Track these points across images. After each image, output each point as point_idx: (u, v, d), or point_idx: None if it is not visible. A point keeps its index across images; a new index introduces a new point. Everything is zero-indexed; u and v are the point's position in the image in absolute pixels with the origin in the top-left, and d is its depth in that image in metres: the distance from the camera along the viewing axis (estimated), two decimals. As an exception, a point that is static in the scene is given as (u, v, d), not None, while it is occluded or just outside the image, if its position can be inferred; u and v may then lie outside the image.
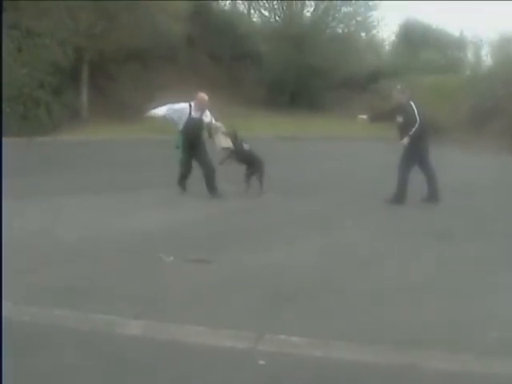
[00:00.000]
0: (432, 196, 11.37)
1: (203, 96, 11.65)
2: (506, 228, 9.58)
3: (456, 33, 42.31)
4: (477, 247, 8.23)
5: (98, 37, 25.25)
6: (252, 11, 39.13)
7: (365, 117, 11.84)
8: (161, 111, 11.63)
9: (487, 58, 39.09)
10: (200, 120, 11.56)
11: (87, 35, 24.99)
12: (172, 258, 7.14)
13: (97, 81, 27.18)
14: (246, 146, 12.16)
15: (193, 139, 11.49)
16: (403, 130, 11.17)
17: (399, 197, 11.18)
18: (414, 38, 40.02)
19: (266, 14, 37.39)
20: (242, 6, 39.79)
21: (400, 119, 11.20)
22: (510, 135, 22.45)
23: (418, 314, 5.58)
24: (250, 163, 12.02)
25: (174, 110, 11.57)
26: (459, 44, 41.22)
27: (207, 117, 11.69)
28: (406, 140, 11.03)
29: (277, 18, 36.31)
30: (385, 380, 4.39)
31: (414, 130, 10.95)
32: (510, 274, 6.98)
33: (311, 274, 6.77)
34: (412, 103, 11.15)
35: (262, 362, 4.48)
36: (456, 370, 4.54)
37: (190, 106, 11.52)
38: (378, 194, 11.40)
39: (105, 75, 27.83)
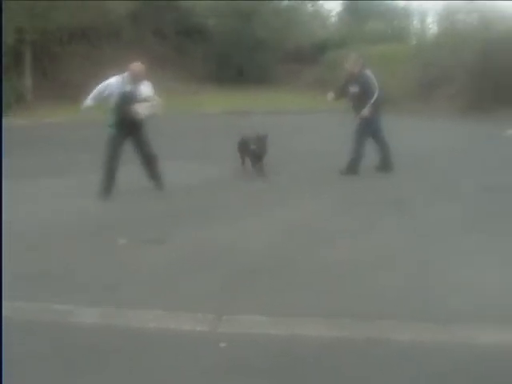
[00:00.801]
0: (386, 165, 11.34)
1: (136, 66, 9.78)
2: (462, 190, 9.65)
3: (401, 2, 42.49)
4: (435, 212, 8.26)
5: (40, 16, 24.54)
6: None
7: (366, 110, 11.43)
8: (91, 97, 9.78)
9: (433, 27, 39.22)
10: (133, 93, 9.65)
11: (29, 15, 24.27)
12: (125, 240, 6.96)
13: (40, 62, 26.54)
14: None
15: (125, 116, 9.61)
16: (360, 100, 10.98)
17: (353, 167, 11.11)
18: (359, 8, 39.95)
19: (211, -13, 36.91)
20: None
21: (355, 89, 11.03)
22: (457, 102, 22.68)
23: (381, 285, 5.53)
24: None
25: (103, 86, 9.79)
26: (404, 13, 41.29)
27: (145, 89, 9.83)
28: (366, 111, 10.87)
29: (222, -9, 35.88)
30: (352, 354, 4.35)
31: (374, 99, 10.83)
32: (472, 237, 7.01)
33: (269, 251, 6.67)
34: (368, 72, 11.01)
35: (223, 345, 4.36)
36: (423, 339, 4.51)
37: (123, 78, 9.78)
38: (334, 167, 11.31)
39: (48, 56, 27.18)
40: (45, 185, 10.35)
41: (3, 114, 12.52)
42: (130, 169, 9.82)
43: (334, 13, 43.02)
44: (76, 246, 6.82)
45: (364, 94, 10.92)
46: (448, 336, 4.58)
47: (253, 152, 11.29)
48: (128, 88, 9.68)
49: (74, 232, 7.43)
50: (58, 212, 8.47)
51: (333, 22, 43.03)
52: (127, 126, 9.77)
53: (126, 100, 9.62)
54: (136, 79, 9.75)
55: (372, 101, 10.81)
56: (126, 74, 9.76)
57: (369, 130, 11.09)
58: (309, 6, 38.38)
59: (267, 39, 32.51)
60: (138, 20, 31.59)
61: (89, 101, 9.76)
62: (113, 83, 9.76)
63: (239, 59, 32.80)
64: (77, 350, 4.37)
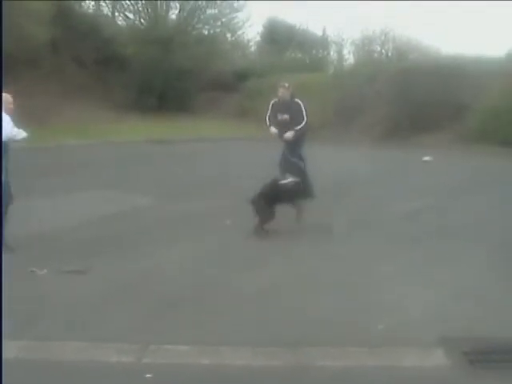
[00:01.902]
0: (307, 193, 11.42)
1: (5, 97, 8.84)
2: (383, 216, 9.85)
3: (319, 32, 43.27)
4: (357, 238, 8.39)
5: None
6: (116, 14, 38.41)
7: (290, 132, 11.36)
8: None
9: (350, 57, 40.24)
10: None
11: None
12: (45, 270, 6.79)
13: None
14: None
15: None
16: (288, 126, 11.06)
17: None
18: (278, 37, 40.57)
19: (131, 16, 36.81)
20: (106, 8, 38.97)
21: (285, 116, 11.07)
22: (375, 130, 23.25)
23: (306, 312, 5.57)
24: None
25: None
26: (322, 43, 42.14)
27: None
28: (290, 134, 10.89)
29: (142, 20, 35.82)
30: (280, 382, 4.33)
31: (300, 126, 10.89)
32: (393, 263, 7.16)
33: (193, 279, 6.62)
34: (298, 100, 11.08)
35: (148, 376, 4.30)
36: (350, 365, 4.57)
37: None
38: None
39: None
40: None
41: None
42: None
43: (253, 42, 43.52)
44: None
45: (292, 121, 10.99)
46: (374, 361, 4.65)
47: None
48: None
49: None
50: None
51: (252, 52, 43.50)
52: None
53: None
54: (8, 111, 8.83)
55: (299, 127, 10.89)
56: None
57: (294, 157, 11.16)
58: (229, 35, 38.71)
59: (187, 68, 32.59)
60: (57, 47, 31.16)
61: None
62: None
63: (160, 87, 32.76)
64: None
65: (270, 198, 9.15)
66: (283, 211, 9.88)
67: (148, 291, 6.17)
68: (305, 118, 10.86)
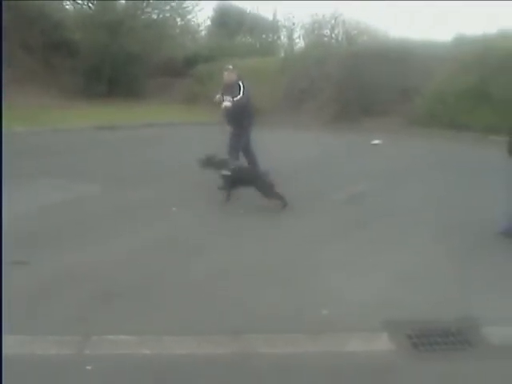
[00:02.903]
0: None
1: None
2: (331, 199, 9.90)
3: (269, 16, 43.27)
4: (301, 225, 8.41)
5: None
6: (64, -2, 37.77)
7: (227, 103, 11.34)
8: None
9: (300, 41, 40.28)
10: None
11: None
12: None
13: None
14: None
15: None
16: (232, 110, 11.05)
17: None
18: (228, 22, 40.47)
19: (79, 1, 36.27)
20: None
21: (227, 99, 11.07)
22: (324, 113, 23.36)
23: (250, 299, 5.57)
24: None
25: None
26: (272, 27, 42.15)
27: None
28: (228, 103, 10.87)
29: (90, 4, 35.26)
30: (224, 370, 4.34)
31: (237, 97, 10.86)
32: (337, 246, 7.21)
33: (137, 268, 6.55)
34: (241, 82, 11.05)
35: (88, 367, 4.25)
36: (294, 351, 4.59)
37: None
38: (204, 180, 11.29)
39: None
40: None
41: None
42: None
43: (203, 27, 43.26)
44: None
45: (237, 106, 10.98)
46: (317, 346, 4.67)
47: None
48: None
49: None
50: None
51: (203, 36, 43.27)
52: None
53: None
54: None
55: (236, 98, 10.87)
56: None
57: (240, 143, 11.16)
58: (178, 19, 38.38)
59: (137, 53, 32.28)
60: (5, 33, 30.55)
61: None
62: None
63: (108, 73, 32.41)
64: None
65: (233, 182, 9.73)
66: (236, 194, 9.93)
67: (91, 282, 6.07)
68: (241, 94, 10.84)
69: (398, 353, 4.65)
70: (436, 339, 4.87)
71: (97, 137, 20.26)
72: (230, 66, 11.56)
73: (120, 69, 32.35)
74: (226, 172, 9.86)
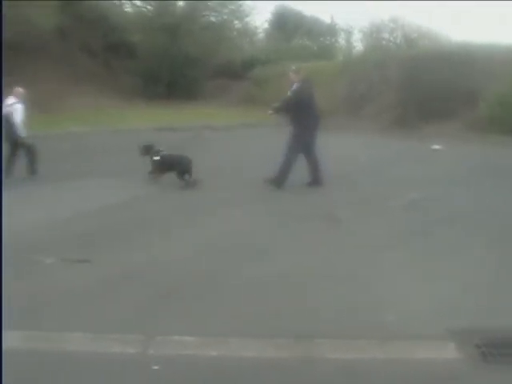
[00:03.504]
0: (315, 180, 11.35)
1: (18, 90, 12.54)
2: (392, 204, 9.73)
3: (327, 20, 43.10)
4: (363, 230, 8.26)
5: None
6: (124, 1, 38.33)
7: (271, 111, 11.47)
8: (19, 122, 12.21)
9: (358, 45, 40.00)
10: (15, 114, 12.21)
11: None
12: (52, 259, 6.71)
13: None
14: (164, 153, 11.90)
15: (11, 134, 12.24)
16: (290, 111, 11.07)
17: (279, 180, 11.09)
18: (286, 25, 40.43)
19: (139, 3, 36.72)
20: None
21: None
22: (383, 118, 23.07)
23: (315, 303, 5.46)
24: (178, 164, 11.63)
25: (19, 114, 12.19)
26: (331, 31, 41.95)
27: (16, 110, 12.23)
28: (270, 111, 10.97)
29: (149, 7, 35.67)
30: (287, 375, 4.23)
31: (279, 104, 10.87)
32: (403, 253, 7.04)
33: (199, 268, 6.51)
34: (297, 84, 11.01)
35: (155, 367, 4.21)
36: (360, 357, 4.47)
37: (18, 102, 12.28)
38: (262, 181, 11.25)
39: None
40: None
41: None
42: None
43: (261, 30, 43.33)
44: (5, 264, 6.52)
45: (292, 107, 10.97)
46: (385, 353, 4.54)
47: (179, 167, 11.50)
48: (12, 109, 12.17)
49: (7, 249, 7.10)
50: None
51: (260, 39, 43.33)
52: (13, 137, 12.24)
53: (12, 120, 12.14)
54: (20, 99, 12.34)
55: (277, 104, 10.89)
56: (12, 97, 12.34)
57: (299, 144, 11.09)
58: (236, 22, 38.51)
59: (195, 55, 32.52)
60: (65, 34, 31.12)
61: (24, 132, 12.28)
62: (19, 108, 12.25)
63: (167, 75, 32.70)
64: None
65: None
66: (299, 197, 9.83)
67: (153, 281, 6.06)
68: (289, 96, 10.84)
69: (467, 362, 4.46)
70: (506, 350, 4.68)
71: (155, 138, 20.34)
72: (293, 67, 11.52)
73: (178, 71, 32.61)
74: (155, 157, 11.68)
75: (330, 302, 5.48)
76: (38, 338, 4.72)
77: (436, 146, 17.24)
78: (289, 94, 11.03)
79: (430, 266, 6.56)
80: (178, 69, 32.62)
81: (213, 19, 36.79)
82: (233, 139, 20.52)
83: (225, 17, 37.07)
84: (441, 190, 11.10)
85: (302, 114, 10.91)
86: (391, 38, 35.23)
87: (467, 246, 7.42)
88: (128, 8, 38.06)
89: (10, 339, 4.59)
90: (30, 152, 12.46)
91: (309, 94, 11.12)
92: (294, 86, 11.01)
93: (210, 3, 35.84)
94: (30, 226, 8.26)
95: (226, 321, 5.05)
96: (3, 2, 17.42)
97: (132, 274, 6.27)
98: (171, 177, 11.52)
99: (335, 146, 15.69)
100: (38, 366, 4.27)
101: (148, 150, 11.93)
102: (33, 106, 13.03)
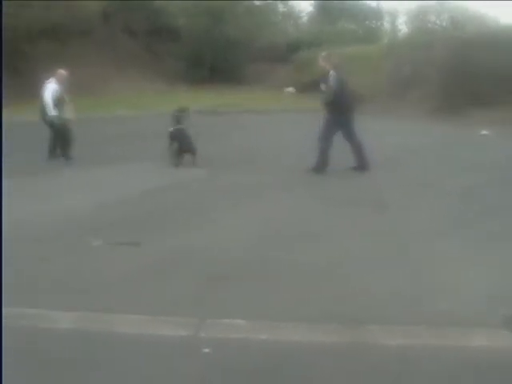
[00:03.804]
0: (360, 165, 11.23)
1: (61, 72, 12.65)
2: (442, 190, 9.55)
3: (372, 3, 42.69)
4: (413, 215, 8.12)
5: (9, 14, 24.10)
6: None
7: (291, 89, 11.50)
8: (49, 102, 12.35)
9: (403, 28, 39.52)
10: (63, 96, 12.61)
11: (-3, 13, 23.83)
12: (100, 241, 6.73)
13: (10, 60, 26.09)
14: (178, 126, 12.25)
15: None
16: (325, 97, 10.99)
17: (320, 167, 11.04)
18: (330, 8, 40.07)
19: (182, -14, 36.75)
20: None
21: (323, 87, 11.00)
22: (429, 102, 22.69)
23: (364, 288, 5.37)
24: (183, 141, 11.99)
25: (51, 94, 12.33)
26: (376, 14, 41.50)
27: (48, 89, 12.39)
28: (325, 112, 10.91)
29: (193, -10, 35.68)
30: (338, 360, 4.17)
31: (327, 98, 10.80)
32: (457, 238, 6.90)
33: (248, 252, 6.47)
34: (332, 71, 10.91)
35: (206, 350, 4.17)
36: (413, 344, 4.38)
37: (54, 83, 12.47)
38: (306, 166, 11.17)
39: (18, 54, 26.76)
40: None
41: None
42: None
43: (305, 13, 43.02)
44: (49, 247, 6.56)
45: (327, 93, 10.88)
46: (439, 340, 4.44)
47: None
48: (58, 92, 12.41)
49: (43, 233, 7.16)
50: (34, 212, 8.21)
51: (304, 22, 43.04)
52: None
53: (60, 102, 12.45)
54: (62, 83, 12.54)
55: (325, 100, 10.79)
56: (54, 79, 12.49)
57: (331, 129, 11.00)
58: (280, 6, 38.30)
59: (239, 38, 32.44)
60: (109, 18, 31.33)
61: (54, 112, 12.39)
62: (53, 88, 12.40)
63: (211, 58, 32.71)
64: (50, 357, 4.14)
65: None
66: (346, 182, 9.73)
67: (202, 264, 6.06)
68: (333, 89, 10.71)
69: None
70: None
71: (198, 121, 20.34)
72: (323, 53, 11.43)
73: (221, 54, 32.59)
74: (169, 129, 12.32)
75: (381, 288, 5.40)
76: (89, 319, 4.75)
77: (484, 132, 16.91)
78: (330, 84, 10.88)
79: (485, 253, 6.40)
80: (221, 52, 32.59)
81: (257, 3, 36.65)
82: (275, 123, 20.43)
83: (269, 0, 36.90)
84: (493, 175, 10.81)
85: (336, 100, 10.82)
86: (437, 21, 34.72)
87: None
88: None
89: (64, 320, 4.62)
90: (60, 134, 12.64)
91: (344, 81, 11.02)
92: (331, 76, 10.88)
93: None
94: (74, 210, 8.32)
95: (277, 305, 4.99)
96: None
97: (181, 258, 6.26)
98: (218, 162, 11.56)
99: (380, 130, 15.52)
100: (90, 347, 4.30)
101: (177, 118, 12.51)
102: (76, 88, 13.12)
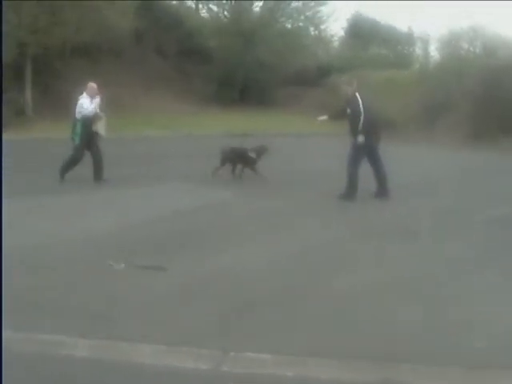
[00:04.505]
0: (382, 192, 11.06)
1: (91, 85, 12.18)
2: (473, 222, 9.30)
3: (404, 28, 42.51)
4: (443, 245, 7.88)
5: (42, 31, 24.37)
6: (200, 6, 38.64)
7: (325, 117, 11.36)
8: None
9: (435, 54, 39.23)
10: (96, 110, 12.12)
11: (30, 30, 24.08)
12: (123, 264, 6.59)
13: (41, 77, 26.34)
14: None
15: (88, 127, 12.08)
16: (351, 122, 10.86)
17: (349, 193, 10.87)
18: (362, 33, 39.96)
19: (215, 8, 36.97)
20: (190, 1, 39.32)
21: (349, 112, 10.88)
22: (460, 130, 22.44)
23: (393, 323, 5.15)
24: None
25: (84, 108, 11.96)
26: (407, 39, 41.33)
27: (95, 105, 12.11)
28: (360, 138, 10.69)
29: (225, 12, 35.85)
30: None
31: (361, 123, 10.63)
32: (486, 273, 6.64)
33: (276, 281, 6.26)
34: (357, 94, 10.77)
35: (230, 386, 4.00)
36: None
37: (85, 97, 12.07)
38: (335, 191, 11.00)
39: (49, 71, 27.02)
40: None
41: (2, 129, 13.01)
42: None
43: (336, 37, 43.01)
44: (69, 271, 6.43)
45: (353, 117, 10.74)
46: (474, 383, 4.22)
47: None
48: (92, 106, 11.99)
49: (66, 256, 7.04)
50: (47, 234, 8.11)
51: (335, 46, 43.00)
52: (89, 136, 12.13)
53: (93, 116, 12.05)
54: (93, 96, 12.07)
55: (360, 125, 10.62)
56: (85, 93, 12.08)
57: (359, 154, 10.85)
58: (311, 29, 38.31)
59: (270, 61, 32.46)
60: (141, 38, 31.54)
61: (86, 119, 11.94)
62: (84, 103, 12.00)
63: (241, 80, 32.77)
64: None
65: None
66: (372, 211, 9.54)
67: (228, 292, 5.86)
68: (361, 113, 10.55)
69: None
70: None
71: (231, 144, 20.36)
72: (347, 78, 11.33)
73: (252, 77, 32.63)
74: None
75: (412, 322, 5.16)
76: (105, 347, 4.58)
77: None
78: (357, 107, 10.75)
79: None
80: (252, 75, 32.62)
81: (288, 26, 36.72)
82: (305, 147, 20.31)
83: (300, 24, 36.95)
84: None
85: (361, 124, 10.66)
86: (470, 48, 34.46)
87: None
88: (204, 13, 38.38)
89: (81, 348, 4.48)
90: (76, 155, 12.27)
91: (368, 105, 10.85)
92: (356, 99, 10.75)
93: (286, 9, 35.75)
94: (102, 231, 8.21)
95: (304, 338, 4.80)
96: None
97: (206, 284, 6.09)
98: (246, 184, 11.46)
99: (409, 157, 15.31)
100: (104, 377, 4.13)
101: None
102: (107, 108, 12.99)
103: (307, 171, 14.24)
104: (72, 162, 12.16)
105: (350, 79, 11.42)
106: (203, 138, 21.92)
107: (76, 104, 12.09)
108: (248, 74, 32.65)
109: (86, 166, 12.26)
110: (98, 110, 12.17)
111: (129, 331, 4.81)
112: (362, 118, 10.60)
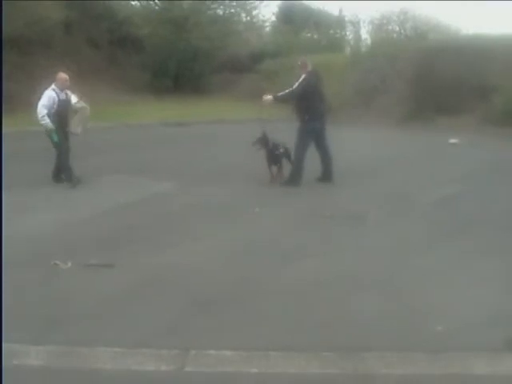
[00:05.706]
0: (326, 176, 11.05)
1: (62, 75, 11.09)
2: (412, 205, 9.35)
3: (335, 12, 42.71)
4: (396, 229, 7.89)
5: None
6: (130, -6, 37.96)
7: (270, 96, 11.21)
8: (43, 114, 10.77)
9: (367, 37, 39.51)
10: (68, 101, 11.17)
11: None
12: (70, 263, 6.35)
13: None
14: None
15: (64, 121, 11.20)
16: (298, 105, 10.81)
17: (294, 179, 10.84)
18: (293, 18, 39.96)
19: (145, -3, 36.37)
20: (120, -11, 38.56)
21: (296, 92, 10.80)
22: (396, 111, 22.68)
23: (354, 311, 5.10)
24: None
25: (47, 103, 10.80)
26: (339, 23, 41.49)
27: (73, 98, 11.33)
28: (266, 97, 10.85)
29: (156, 0, 35.33)
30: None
31: (282, 93, 10.62)
32: (438, 254, 6.68)
33: (230, 273, 6.14)
34: (303, 76, 10.71)
35: (194, 387, 3.87)
36: (415, 372, 4.12)
37: (54, 89, 10.91)
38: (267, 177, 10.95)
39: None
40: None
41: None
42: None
43: (268, 23, 42.88)
44: (12, 274, 6.04)
45: (302, 100, 10.67)
46: (439, 368, 4.19)
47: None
48: (63, 97, 10.97)
49: (6, 257, 6.68)
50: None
51: (268, 32, 42.91)
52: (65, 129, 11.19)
53: (66, 107, 11.04)
54: (64, 88, 11.02)
55: (280, 94, 10.69)
56: (55, 85, 10.90)
57: (308, 139, 10.80)
58: (243, 15, 38.13)
59: (203, 48, 32.19)
60: (71, 29, 30.85)
61: (48, 121, 10.77)
62: (51, 96, 10.82)
63: (174, 69, 32.39)
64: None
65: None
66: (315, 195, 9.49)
67: (180, 287, 5.72)
68: (293, 87, 10.55)
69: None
70: None
71: (165, 132, 20.12)
72: (299, 62, 11.23)
73: (186, 64, 32.31)
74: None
75: (370, 310, 5.13)
76: (60, 354, 4.39)
77: (453, 140, 16.85)
78: (295, 85, 10.72)
79: (471, 268, 6.19)
80: (186, 62, 32.30)
81: (220, 12, 36.45)
82: (240, 133, 20.16)
83: (232, 10, 36.73)
84: (468, 186, 10.66)
85: (307, 107, 10.60)
86: (401, 31, 34.81)
87: (508, 247, 7.02)
88: (135, 2, 37.75)
89: (36, 356, 4.26)
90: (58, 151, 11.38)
91: (315, 86, 10.78)
92: (300, 78, 10.72)
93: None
94: (45, 230, 7.93)
95: (265, 332, 4.69)
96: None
97: (158, 280, 5.92)
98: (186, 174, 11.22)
99: (345, 140, 15.26)
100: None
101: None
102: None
103: (248, 158, 14.13)
104: (64, 160, 11.22)
105: (302, 61, 11.21)
106: (139, 127, 21.57)
107: (40, 97, 10.89)
108: (181, 61, 32.28)
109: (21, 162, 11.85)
110: (75, 102, 11.35)
111: (84, 335, 4.63)
112: (287, 91, 10.59)
